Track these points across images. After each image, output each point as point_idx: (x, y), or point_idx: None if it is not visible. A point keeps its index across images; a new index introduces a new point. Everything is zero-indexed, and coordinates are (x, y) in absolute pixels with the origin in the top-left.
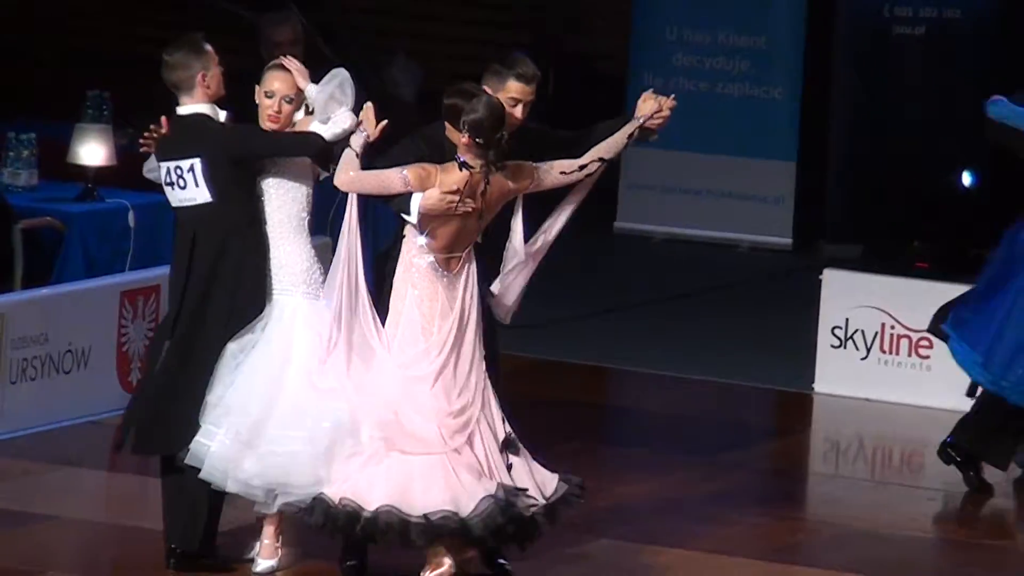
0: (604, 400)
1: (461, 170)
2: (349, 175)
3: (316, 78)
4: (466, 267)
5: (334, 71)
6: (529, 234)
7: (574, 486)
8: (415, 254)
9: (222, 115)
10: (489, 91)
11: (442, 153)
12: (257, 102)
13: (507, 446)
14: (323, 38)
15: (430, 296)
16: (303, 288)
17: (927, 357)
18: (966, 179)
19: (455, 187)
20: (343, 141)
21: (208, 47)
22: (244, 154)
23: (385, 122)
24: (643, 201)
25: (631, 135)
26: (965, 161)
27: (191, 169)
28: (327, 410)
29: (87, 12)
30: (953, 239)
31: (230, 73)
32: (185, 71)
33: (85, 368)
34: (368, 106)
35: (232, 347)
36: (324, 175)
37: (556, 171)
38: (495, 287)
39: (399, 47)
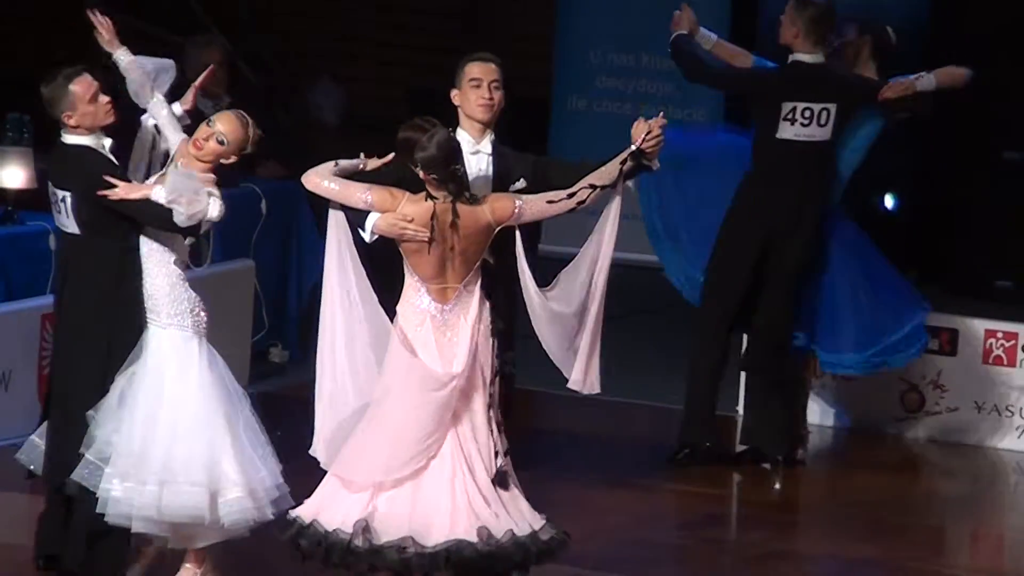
0: (533, 423)
1: (427, 201)
2: (316, 179)
3: (240, 99)
4: (467, 301)
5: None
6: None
7: (560, 533)
8: (410, 288)
9: (107, 143)
10: (457, 90)
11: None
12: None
13: (498, 481)
14: (247, 62)
15: (419, 342)
16: (175, 320)
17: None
18: (888, 202)
19: (409, 216)
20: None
21: (73, 86)
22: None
23: (390, 156)
24: (569, 223)
25: (624, 161)
26: (888, 182)
27: (63, 200)
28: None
29: (3, 34)
30: None
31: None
32: (53, 108)
33: (6, 392)
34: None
35: (120, 380)
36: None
37: (542, 200)
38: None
39: (323, 71)
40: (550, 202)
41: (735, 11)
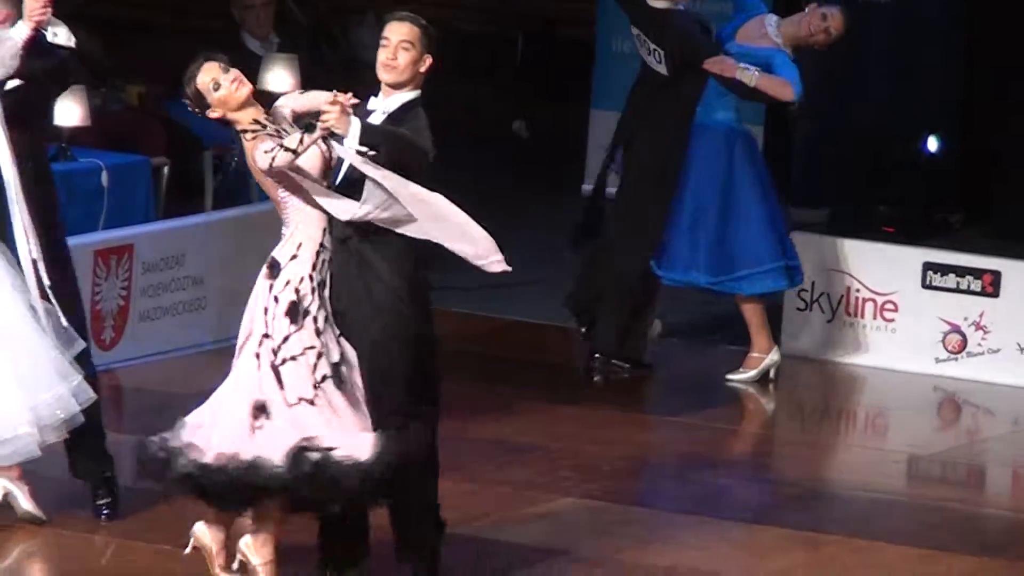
0: (572, 360)
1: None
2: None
3: (287, 38)
4: None
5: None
6: None
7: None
8: None
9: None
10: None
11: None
12: None
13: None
14: (294, 1)
15: None
16: None
17: (892, 320)
18: (932, 144)
19: None
20: None
21: None
22: None
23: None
24: None
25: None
26: (931, 127)
27: None
28: None
29: None
30: (919, 204)
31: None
32: None
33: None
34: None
35: None
36: None
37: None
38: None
39: (369, 8)
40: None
41: None
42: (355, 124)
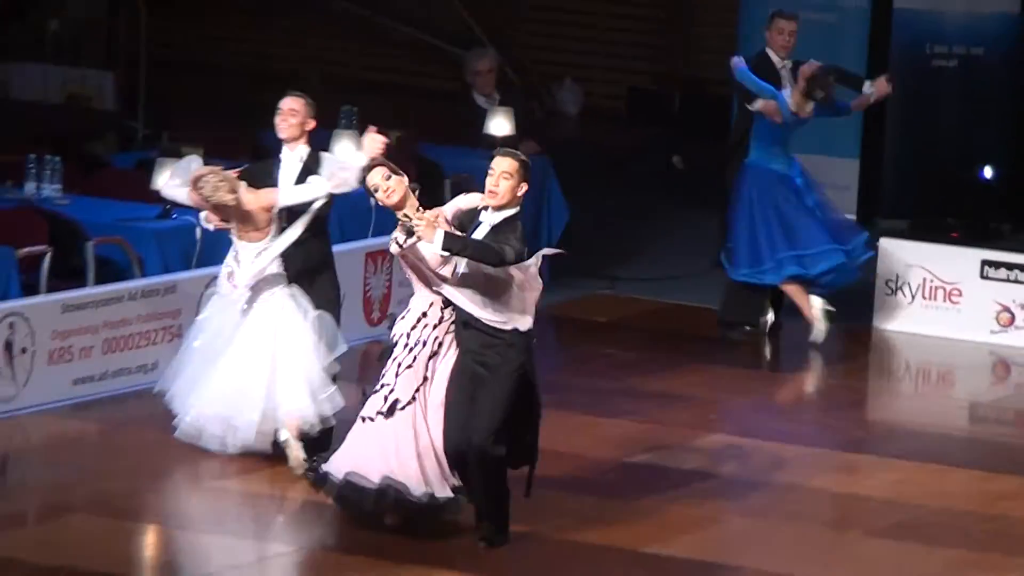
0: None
1: None
2: None
3: (505, 95)
4: None
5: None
6: None
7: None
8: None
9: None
10: None
11: None
12: None
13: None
14: (513, 68)
15: None
16: None
17: (957, 303)
18: (988, 172)
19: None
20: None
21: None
22: None
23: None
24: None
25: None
26: (987, 158)
27: None
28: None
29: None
30: (978, 216)
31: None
32: None
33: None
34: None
35: None
36: None
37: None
38: None
39: (566, 74)
40: None
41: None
42: (439, 233)
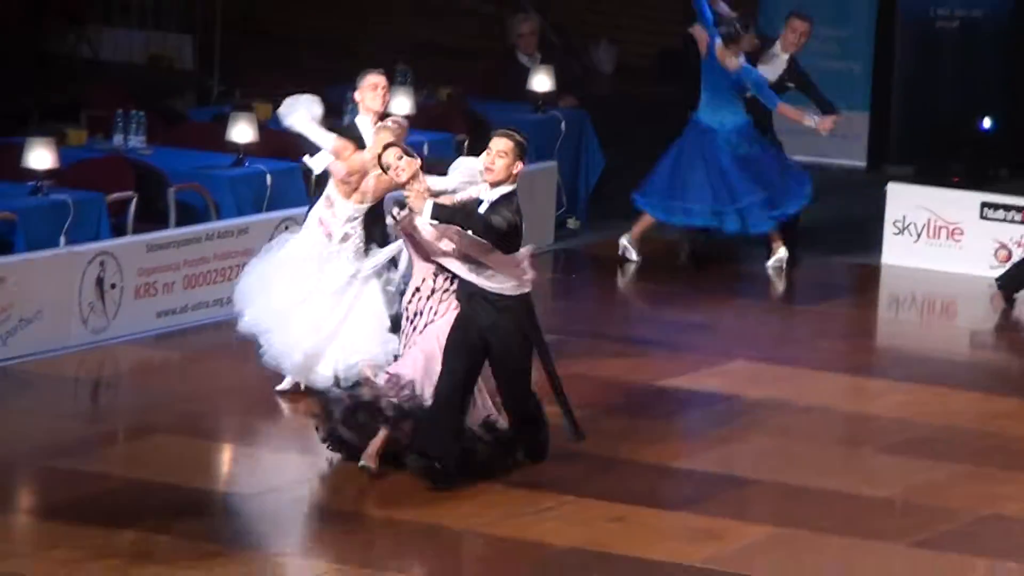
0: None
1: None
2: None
3: (546, 54)
4: None
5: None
6: None
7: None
8: None
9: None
10: None
11: None
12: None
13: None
14: (553, 29)
15: None
16: None
17: (959, 240)
18: (987, 123)
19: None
20: None
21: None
22: None
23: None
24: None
25: None
26: (986, 110)
27: None
28: None
29: None
30: (977, 162)
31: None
32: None
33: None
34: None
35: None
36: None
37: None
38: None
39: (602, 34)
40: None
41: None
42: (428, 203)
